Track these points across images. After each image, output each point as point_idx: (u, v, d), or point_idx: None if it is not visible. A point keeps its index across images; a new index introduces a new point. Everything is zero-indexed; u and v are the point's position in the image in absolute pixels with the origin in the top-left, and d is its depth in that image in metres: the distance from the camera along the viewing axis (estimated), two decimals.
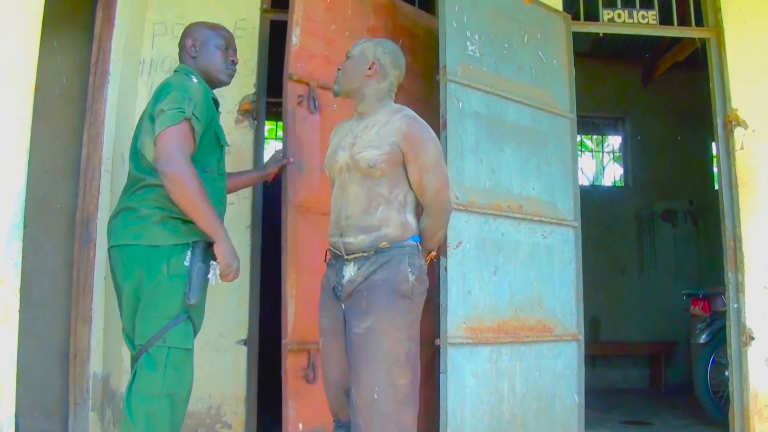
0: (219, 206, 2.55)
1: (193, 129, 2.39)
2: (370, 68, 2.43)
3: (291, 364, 3.00)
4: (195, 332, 2.48)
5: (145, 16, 3.83)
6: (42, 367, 3.38)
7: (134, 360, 2.42)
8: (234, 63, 2.78)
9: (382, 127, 2.35)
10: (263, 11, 3.93)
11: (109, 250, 2.51)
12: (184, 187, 2.32)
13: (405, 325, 2.25)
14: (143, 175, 2.45)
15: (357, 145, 2.35)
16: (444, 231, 2.46)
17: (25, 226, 1.92)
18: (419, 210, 2.44)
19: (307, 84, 3.21)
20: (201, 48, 2.69)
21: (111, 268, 2.53)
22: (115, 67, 3.42)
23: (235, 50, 2.81)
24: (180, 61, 2.74)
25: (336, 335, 2.36)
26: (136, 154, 2.52)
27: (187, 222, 2.40)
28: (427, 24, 3.87)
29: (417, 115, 2.41)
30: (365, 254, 2.30)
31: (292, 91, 3.15)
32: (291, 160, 3.06)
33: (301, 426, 3.00)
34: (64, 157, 3.53)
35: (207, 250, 2.46)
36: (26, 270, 1.96)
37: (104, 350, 3.29)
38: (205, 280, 2.45)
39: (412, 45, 3.71)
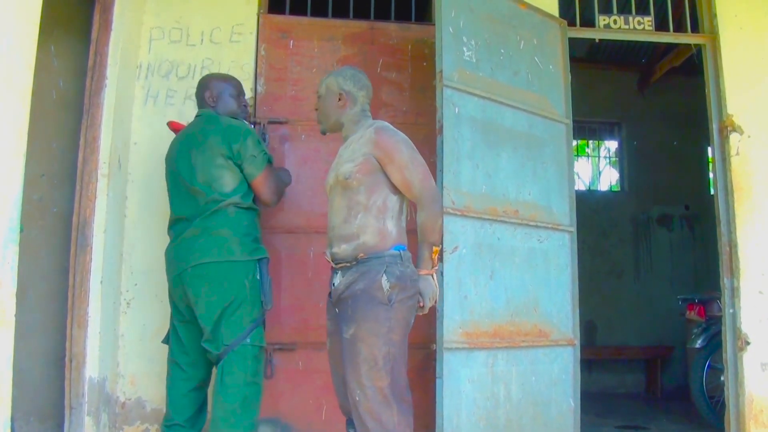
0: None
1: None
2: (339, 99, 2.64)
3: None
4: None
5: (142, 21, 3.83)
6: (38, 372, 3.38)
7: (218, 358, 2.90)
8: (246, 107, 3.36)
9: (357, 143, 2.55)
10: (260, 15, 3.95)
11: (188, 268, 2.92)
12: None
13: (383, 331, 2.37)
14: (213, 202, 2.95)
15: (339, 164, 2.56)
16: (441, 220, 2.55)
17: (21, 230, 1.92)
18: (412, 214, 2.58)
19: (260, 123, 3.76)
20: (218, 99, 3.19)
21: (178, 283, 2.97)
22: (112, 72, 3.42)
23: (244, 94, 3.35)
24: (200, 107, 3.22)
25: (337, 337, 2.53)
26: (195, 186, 2.97)
27: (255, 240, 3.01)
28: (419, 35, 4.06)
29: (387, 124, 2.60)
30: (348, 264, 2.48)
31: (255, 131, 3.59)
32: None
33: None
34: (60, 161, 3.53)
35: (267, 265, 3.03)
36: (22, 274, 1.95)
37: (100, 355, 3.28)
38: (271, 290, 3.02)
39: (396, 61, 4.01)
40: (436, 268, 2.53)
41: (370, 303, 2.38)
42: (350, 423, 2.59)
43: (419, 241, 2.50)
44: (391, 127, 2.58)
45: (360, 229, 2.45)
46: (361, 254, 2.43)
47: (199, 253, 2.91)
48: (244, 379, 2.88)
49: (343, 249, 2.48)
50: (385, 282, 2.38)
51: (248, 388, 2.89)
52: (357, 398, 2.35)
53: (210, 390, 3.19)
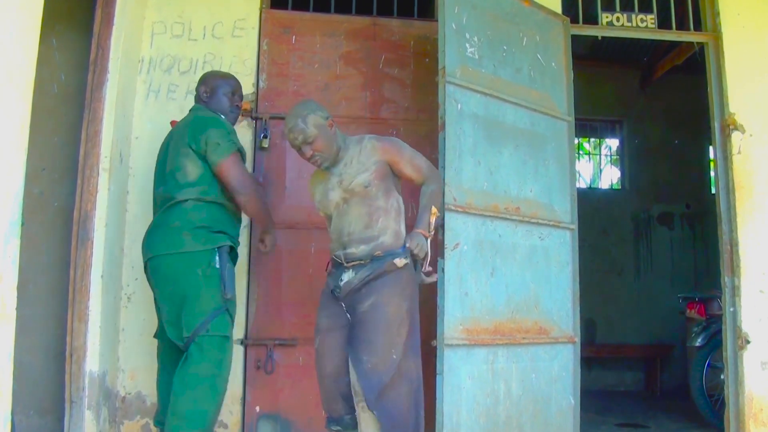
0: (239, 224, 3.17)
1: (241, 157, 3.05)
2: (330, 126, 2.79)
3: (250, 357, 3.65)
4: (232, 322, 2.98)
5: (144, 15, 3.83)
6: (38, 366, 3.38)
7: (184, 350, 2.86)
8: (238, 107, 3.31)
9: (359, 156, 2.77)
10: (263, 10, 3.94)
11: (148, 261, 2.99)
12: (255, 202, 3.06)
13: (402, 292, 2.66)
14: (173, 193, 2.95)
15: (345, 180, 2.75)
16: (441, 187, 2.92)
17: (22, 224, 1.91)
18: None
19: (261, 118, 3.80)
20: (211, 95, 3.21)
21: (148, 276, 3.03)
22: (114, 66, 3.42)
23: (241, 96, 3.34)
24: (195, 102, 3.26)
25: (332, 331, 2.71)
26: (165, 176, 3.01)
27: (213, 231, 2.94)
28: (421, 31, 4.07)
29: (374, 135, 2.91)
30: (362, 262, 2.69)
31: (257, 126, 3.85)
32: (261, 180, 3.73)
33: (258, 408, 3.64)
34: (61, 155, 3.54)
35: (230, 253, 3.00)
36: (23, 268, 1.95)
37: (100, 349, 3.28)
38: (233, 277, 2.96)
39: (398, 58, 4.03)
40: (432, 232, 2.76)
41: (386, 276, 2.65)
42: (330, 420, 2.74)
43: (423, 206, 2.76)
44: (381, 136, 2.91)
45: (381, 230, 2.70)
46: (378, 252, 2.67)
47: (155, 246, 2.96)
48: (205, 370, 2.80)
49: (361, 249, 2.68)
50: (399, 261, 2.66)
51: (209, 380, 2.81)
52: (393, 356, 2.57)
53: None
